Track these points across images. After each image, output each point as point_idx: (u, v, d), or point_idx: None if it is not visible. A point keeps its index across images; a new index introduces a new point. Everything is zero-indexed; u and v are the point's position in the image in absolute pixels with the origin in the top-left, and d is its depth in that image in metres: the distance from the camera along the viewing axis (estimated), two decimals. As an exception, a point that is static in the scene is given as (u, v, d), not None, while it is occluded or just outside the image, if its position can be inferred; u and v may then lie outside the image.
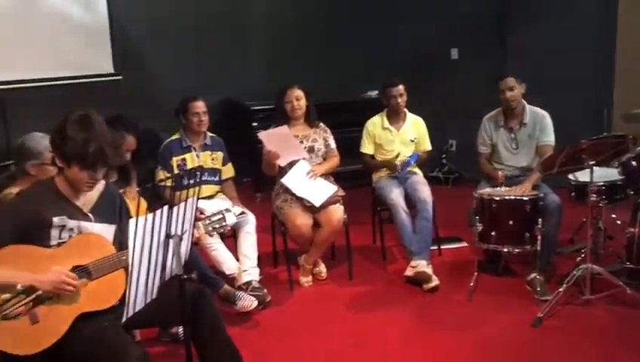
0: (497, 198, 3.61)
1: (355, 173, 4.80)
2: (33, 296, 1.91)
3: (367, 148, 4.30)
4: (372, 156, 4.31)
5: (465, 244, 4.48)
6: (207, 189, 3.82)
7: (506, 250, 3.63)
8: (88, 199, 2.38)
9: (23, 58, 4.78)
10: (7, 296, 1.90)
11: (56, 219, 2.25)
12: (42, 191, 2.32)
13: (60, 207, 2.28)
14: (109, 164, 2.30)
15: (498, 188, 3.78)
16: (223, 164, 4.00)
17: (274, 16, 6.54)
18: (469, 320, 3.37)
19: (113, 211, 2.45)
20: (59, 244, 2.26)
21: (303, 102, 3.97)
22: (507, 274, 3.92)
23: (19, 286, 1.92)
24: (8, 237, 2.16)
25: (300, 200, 3.82)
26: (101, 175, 2.31)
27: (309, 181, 3.87)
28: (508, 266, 3.98)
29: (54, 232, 2.25)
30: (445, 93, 6.29)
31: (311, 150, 3.99)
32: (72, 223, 2.29)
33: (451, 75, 6.38)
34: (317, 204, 3.79)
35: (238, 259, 3.65)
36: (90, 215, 2.36)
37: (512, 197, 3.61)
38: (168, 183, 3.51)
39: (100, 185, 2.43)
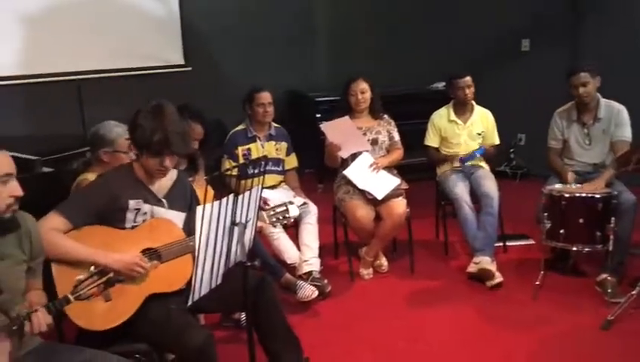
0: (568, 195, 3.48)
1: (419, 166, 4.74)
2: (105, 278, 2.01)
3: (432, 140, 4.23)
4: (437, 149, 4.25)
5: (531, 242, 4.35)
6: (270, 179, 3.88)
7: (575, 248, 3.50)
8: (162, 185, 2.48)
9: (99, 49, 5.01)
10: (81, 276, 2.00)
11: (132, 203, 2.35)
12: (121, 175, 2.43)
13: (136, 191, 2.38)
14: (175, 153, 2.37)
15: (569, 185, 3.65)
16: (287, 155, 4.05)
17: (340, 8, 6.52)
18: (533, 320, 3.28)
19: (184, 199, 2.54)
20: (133, 227, 2.37)
21: (367, 95, 3.95)
22: (576, 274, 3.79)
23: (92, 268, 2.02)
24: (87, 217, 2.28)
25: (362, 193, 3.81)
26: (171, 163, 2.39)
27: (371, 173, 3.86)
28: (577, 266, 3.84)
29: (130, 215, 2.35)
30: (515, 85, 6.10)
31: (374, 142, 3.98)
32: (146, 207, 2.39)
33: (522, 66, 6.18)
34: (379, 196, 3.78)
35: (299, 249, 3.69)
36: (163, 201, 2.46)
37: (584, 195, 3.47)
38: (234, 172, 3.58)
39: (173, 174, 2.52)
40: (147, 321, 2.26)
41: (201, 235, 1.97)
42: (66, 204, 2.32)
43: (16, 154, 2.78)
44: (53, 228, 2.21)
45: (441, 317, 3.38)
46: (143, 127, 2.32)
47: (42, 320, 1.89)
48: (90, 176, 2.75)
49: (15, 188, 1.89)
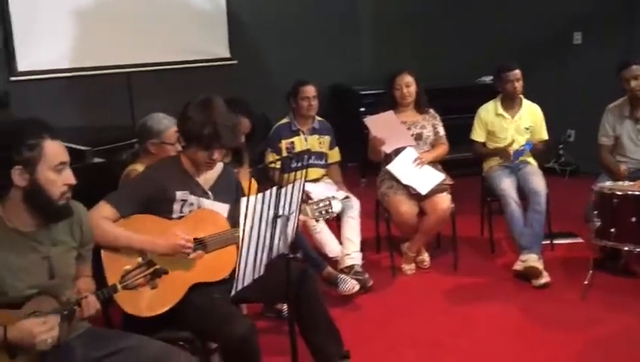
0: (619, 193, 3.36)
1: (464, 162, 4.67)
2: (152, 269, 2.05)
3: (478, 135, 4.16)
4: (483, 144, 4.17)
5: (580, 240, 4.23)
6: (313, 172, 3.89)
7: (626, 248, 3.38)
8: (209, 177, 2.52)
9: (149, 42, 5.12)
10: (129, 267, 2.05)
11: (179, 194, 2.41)
12: (169, 166, 2.48)
13: (183, 183, 2.43)
14: (224, 146, 2.41)
15: (620, 183, 3.53)
16: (330, 148, 4.05)
17: (385, 1, 6.47)
18: (581, 320, 3.20)
19: (229, 191, 2.58)
20: (179, 218, 2.42)
21: (412, 89, 3.91)
22: (626, 275, 3.67)
23: (140, 259, 2.08)
24: (135, 207, 2.35)
25: (406, 188, 3.78)
26: (219, 156, 2.43)
27: (415, 168, 3.82)
28: (628, 266, 3.72)
29: (176, 206, 2.41)
30: (566, 79, 5.93)
31: (419, 137, 3.93)
32: (192, 199, 2.44)
33: (573, 60, 6.00)
34: (423, 192, 3.74)
35: (341, 243, 3.69)
36: (209, 192, 2.50)
37: (637, 193, 3.35)
38: (277, 165, 3.60)
39: (219, 166, 2.57)
40: (191, 310, 2.30)
41: (245, 226, 1.99)
42: (116, 194, 2.39)
43: (69, 144, 2.88)
44: (102, 216, 2.28)
45: (485, 314, 3.33)
46: (193, 120, 2.36)
47: (92, 305, 1.95)
48: (139, 167, 2.82)
49: (69, 177, 1.94)
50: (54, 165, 1.90)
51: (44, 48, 4.60)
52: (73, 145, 2.86)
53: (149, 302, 2.26)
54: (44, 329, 1.81)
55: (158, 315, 2.27)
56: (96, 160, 2.81)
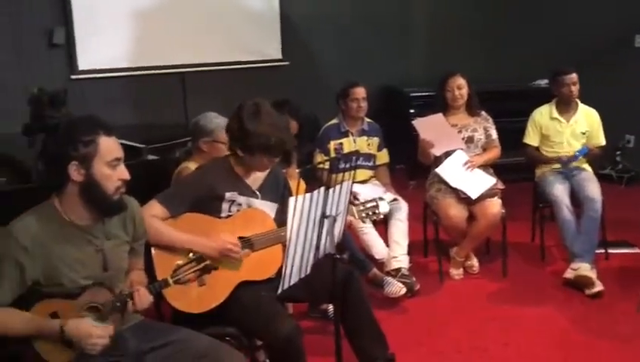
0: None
1: (517, 166, 4.57)
2: (202, 265, 2.11)
3: (531, 139, 4.06)
4: (537, 148, 4.07)
5: (636, 250, 4.08)
6: (361, 174, 3.89)
7: (687, 260, 3.24)
8: (257, 178, 2.56)
9: (202, 43, 5.23)
10: (180, 262, 2.11)
11: (228, 194, 2.45)
12: (218, 167, 2.53)
13: (232, 184, 2.48)
14: (288, 151, 2.46)
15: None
16: (379, 150, 4.04)
17: (438, 3, 6.39)
18: (636, 333, 3.08)
19: (277, 191, 2.61)
20: (227, 217, 2.46)
21: (464, 91, 3.85)
22: (687, 288, 3.52)
23: (191, 255, 2.13)
24: (185, 206, 2.40)
25: (455, 191, 3.73)
26: (273, 160, 2.48)
27: (465, 172, 3.76)
28: (688, 279, 3.57)
29: (225, 205, 2.45)
30: (625, 83, 5.71)
31: (470, 140, 3.87)
32: (241, 199, 2.48)
33: (634, 63, 5.78)
34: (473, 196, 3.68)
35: (388, 245, 3.67)
36: (257, 192, 2.54)
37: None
38: (325, 166, 3.62)
39: None
40: (238, 307, 2.34)
41: (292, 226, 2.01)
42: (166, 193, 2.44)
43: (125, 141, 2.97)
44: (153, 214, 2.33)
45: (534, 323, 3.25)
46: (256, 133, 2.36)
47: (144, 299, 2.01)
48: (191, 165, 2.88)
49: (123, 172, 2.00)
50: (109, 160, 1.95)
51: (102, 48, 4.76)
52: (129, 143, 2.95)
53: (198, 299, 2.31)
54: (100, 334, 1.87)
55: (206, 311, 2.32)
56: (151, 157, 2.88)
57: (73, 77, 4.60)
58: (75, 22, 4.59)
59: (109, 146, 1.96)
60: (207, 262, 2.11)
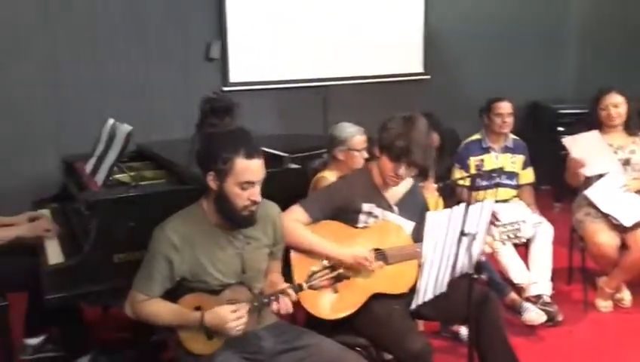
0: None
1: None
2: (335, 273, 2.15)
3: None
4: None
5: None
6: (503, 193, 3.74)
7: None
8: (396, 193, 2.57)
9: (345, 57, 5.35)
10: (315, 268, 2.16)
11: (365, 206, 2.48)
12: (359, 178, 2.57)
13: (370, 196, 2.50)
14: (412, 163, 2.42)
15: None
16: (523, 168, 3.86)
17: (595, 13, 5.99)
18: None
19: (415, 209, 2.58)
20: (363, 228, 2.48)
21: (622, 110, 3.56)
22: None
23: (325, 262, 2.18)
24: (325, 214, 2.47)
25: (606, 217, 3.45)
26: (406, 173, 2.45)
27: (619, 196, 3.47)
28: None
29: (362, 217, 2.48)
30: None
31: (627, 162, 3.56)
32: (378, 211, 2.50)
33: None
34: (626, 223, 3.38)
35: (529, 269, 3.49)
36: (395, 207, 2.54)
37: None
38: (465, 182, 3.53)
39: (408, 183, 2.60)
40: (370, 318, 2.35)
41: (429, 240, 1.98)
42: (308, 200, 2.53)
43: (270, 150, 3.13)
44: (295, 219, 2.42)
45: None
46: (390, 130, 2.42)
47: (288, 305, 2.08)
48: (327, 174, 2.95)
49: (254, 194, 2.05)
50: (240, 182, 2.02)
51: (252, 62, 5.04)
52: (273, 151, 3.08)
53: (332, 306, 2.36)
54: (235, 317, 1.98)
55: (338, 319, 2.35)
56: (293, 166, 2.99)
57: (225, 89, 4.91)
58: (230, 37, 4.91)
59: (244, 169, 2.01)
60: (341, 271, 2.15)
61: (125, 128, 2.84)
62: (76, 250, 2.57)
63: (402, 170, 2.44)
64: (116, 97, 4.47)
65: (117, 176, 2.87)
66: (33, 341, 3.08)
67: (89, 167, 3.04)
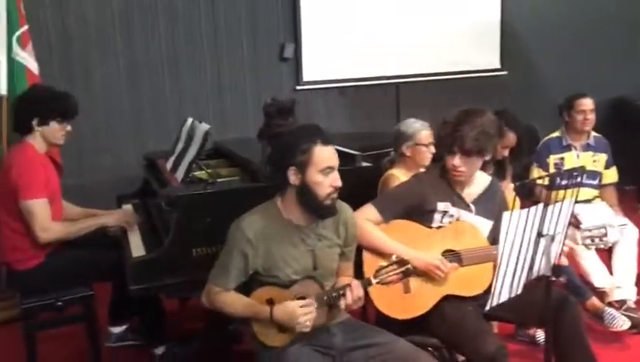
0: None
1: None
2: (404, 268, 2.11)
3: None
4: None
5: None
6: (584, 193, 3.58)
7: None
8: (473, 191, 2.51)
9: (418, 53, 5.30)
10: (383, 263, 2.15)
11: (440, 205, 2.44)
12: (433, 177, 2.53)
13: (446, 195, 2.46)
14: (463, 149, 2.34)
15: None
16: (606, 168, 3.69)
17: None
18: None
19: (493, 207, 2.51)
20: (438, 227, 2.45)
21: None
22: None
23: (393, 257, 2.16)
24: (397, 213, 2.44)
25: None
26: (460, 163, 2.38)
27: None
28: None
29: (437, 216, 2.44)
30: None
31: None
32: (453, 211, 2.45)
33: None
34: None
35: (611, 273, 3.33)
36: (471, 206, 2.48)
37: None
38: (543, 182, 3.41)
39: (486, 181, 2.54)
40: (442, 319, 2.32)
41: (505, 241, 1.93)
42: (381, 200, 2.52)
43: (342, 148, 3.13)
44: (367, 218, 2.41)
45: None
46: (444, 124, 2.39)
47: (356, 290, 2.08)
48: (396, 172, 2.92)
49: (335, 180, 2.12)
50: (321, 168, 2.08)
51: (324, 61, 5.07)
52: (345, 149, 3.09)
53: (403, 305, 2.34)
54: (303, 312, 2.01)
55: (409, 319, 2.33)
56: (365, 164, 2.99)
57: (298, 88, 4.98)
58: (303, 38, 4.97)
59: (323, 155, 2.09)
60: (408, 266, 2.12)
61: (204, 127, 2.94)
62: (157, 244, 2.68)
63: (457, 160, 2.37)
64: (194, 96, 4.63)
65: (195, 173, 2.97)
66: (117, 329, 3.25)
67: (169, 164, 3.17)
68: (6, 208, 2.80)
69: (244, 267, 2.14)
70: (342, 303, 2.09)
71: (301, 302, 2.04)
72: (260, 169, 2.74)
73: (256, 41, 4.82)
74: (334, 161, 2.12)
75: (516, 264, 2.02)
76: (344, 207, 2.28)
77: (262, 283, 2.16)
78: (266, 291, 2.14)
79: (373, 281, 2.11)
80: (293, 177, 2.11)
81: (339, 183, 2.13)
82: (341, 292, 2.09)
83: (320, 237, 2.20)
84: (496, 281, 1.99)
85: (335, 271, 2.27)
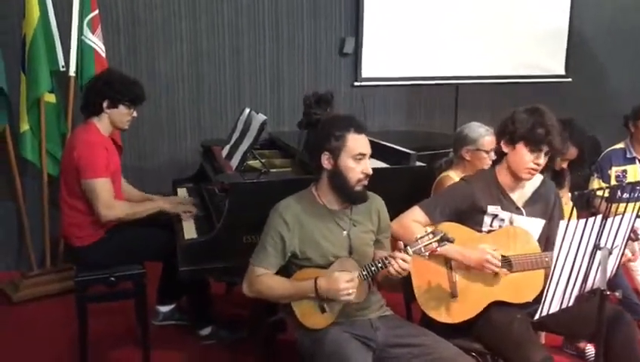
0: None
1: None
2: (438, 236, 2.06)
3: None
4: None
5: None
6: (647, 207, 3.44)
7: None
8: (523, 194, 2.46)
9: (479, 55, 5.20)
10: (419, 234, 2.09)
11: (490, 208, 2.40)
12: (483, 180, 2.48)
13: (496, 198, 2.42)
14: (553, 147, 2.31)
15: None
16: (672, 183, 3.53)
17: None
18: None
19: (545, 207, 2.46)
20: (488, 231, 2.41)
21: None
22: None
23: (427, 228, 2.13)
24: (447, 215, 2.41)
25: None
26: (545, 161, 2.34)
27: None
28: None
29: (487, 219, 2.40)
30: None
31: None
32: (504, 214, 2.40)
33: None
34: None
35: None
36: (522, 209, 2.43)
37: None
38: (602, 193, 3.29)
39: (536, 181, 2.47)
40: (489, 325, 2.28)
41: (560, 250, 1.88)
42: (429, 202, 2.48)
43: (396, 146, 3.12)
44: (415, 220, 2.39)
45: None
46: (522, 121, 2.32)
47: (401, 263, 2.04)
48: (452, 174, 2.88)
49: (366, 167, 2.19)
50: (354, 155, 2.17)
51: (384, 58, 5.04)
52: (399, 148, 3.08)
53: (450, 309, 2.32)
54: (347, 278, 2.05)
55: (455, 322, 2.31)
56: (418, 163, 2.96)
57: (356, 83, 4.97)
58: (365, 33, 4.95)
59: (356, 142, 2.18)
60: (443, 234, 2.07)
61: (260, 118, 2.98)
62: (209, 228, 2.74)
63: (542, 158, 2.33)
64: (252, 87, 4.70)
65: (249, 162, 3.02)
66: (164, 308, 3.35)
67: (225, 151, 3.23)
68: (67, 186, 2.91)
69: (282, 248, 2.20)
70: (391, 269, 2.04)
71: (344, 273, 2.08)
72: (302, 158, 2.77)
73: (317, 34, 4.84)
74: (366, 149, 2.21)
75: (569, 275, 1.96)
76: (375, 197, 2.34)
77: (300, 267, 2.22)
78: (306, 272, 2.20)
79: (410, 251, 2.07)
80: (326, 162, 2.20)
81: (369, 171, 2.20)
82: (380, 264, 2.08)
83: (354, 222, 2.26)
84: (548, 291, 1.94)
85: (370, 256, 2.28)
